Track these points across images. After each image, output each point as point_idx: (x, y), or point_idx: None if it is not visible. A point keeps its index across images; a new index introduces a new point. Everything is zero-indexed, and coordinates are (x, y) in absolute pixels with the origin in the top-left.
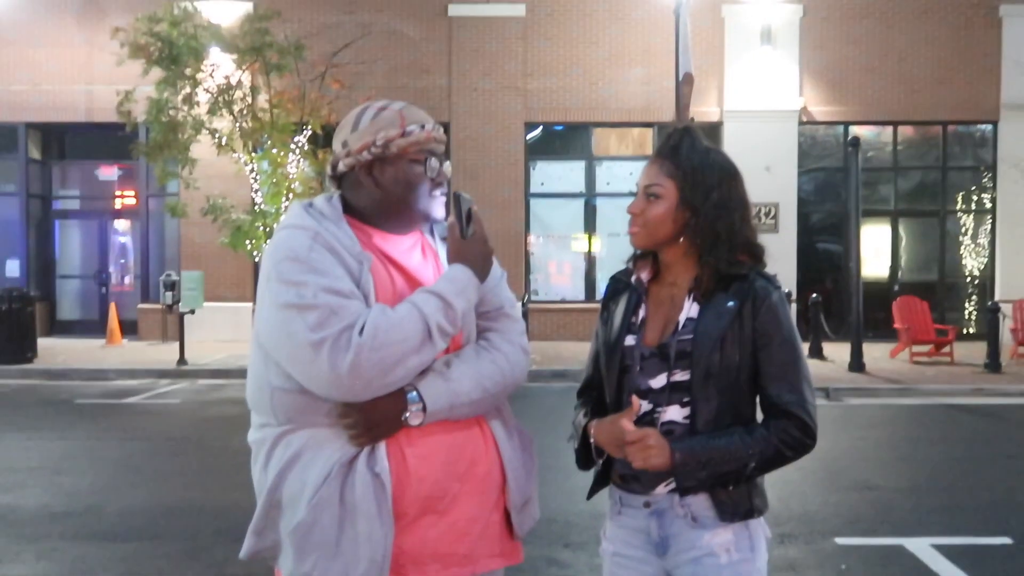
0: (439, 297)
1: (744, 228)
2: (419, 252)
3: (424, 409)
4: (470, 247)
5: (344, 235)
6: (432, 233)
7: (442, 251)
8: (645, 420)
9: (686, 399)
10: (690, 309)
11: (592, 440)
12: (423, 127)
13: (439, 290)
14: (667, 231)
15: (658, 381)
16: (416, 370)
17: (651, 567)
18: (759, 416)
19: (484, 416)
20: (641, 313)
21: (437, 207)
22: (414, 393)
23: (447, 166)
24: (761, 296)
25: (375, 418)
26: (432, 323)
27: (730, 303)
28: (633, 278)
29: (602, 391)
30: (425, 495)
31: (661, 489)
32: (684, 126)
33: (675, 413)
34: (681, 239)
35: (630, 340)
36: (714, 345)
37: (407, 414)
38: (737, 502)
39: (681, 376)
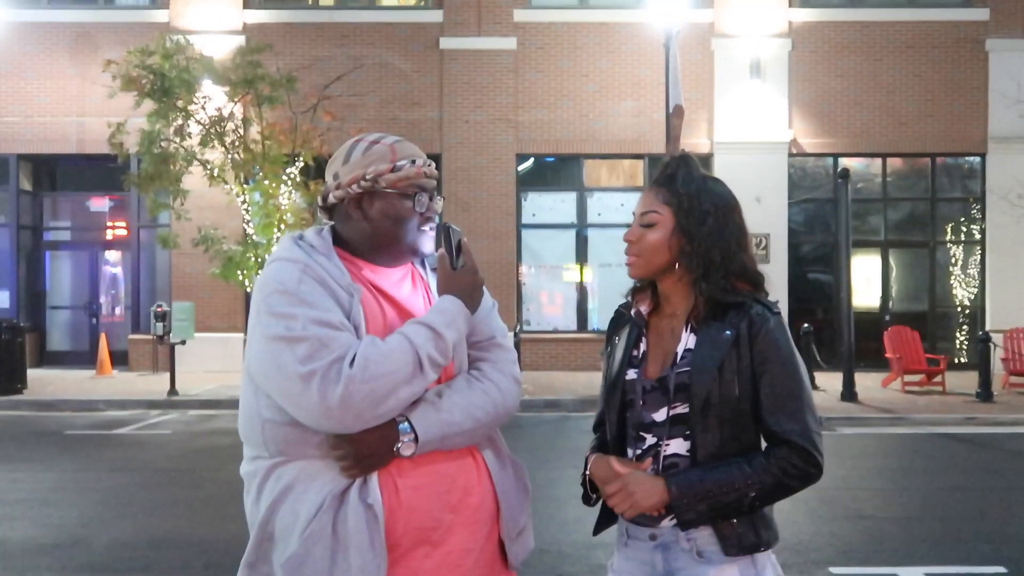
0: (429, 328)
1: (740, 255)
2: (409, 283)
3: (416, 440)
4: (460, 278)
5: (334, 267)
6: (423, 265)
7: (433, 282)
8: (651, 453)
9: (688, 432)
10: (687, 340)
11: (587, 473)
12: (414, 162)
13: (429, 321)
14: (663, 259)
15: (660, 415)
16: (407, 401)
17: None
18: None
19: (476, 446)
20: (642, 346)
21: (426, 242)
22: (405, 424)
23: (438, 201)
24: (758, 323)
25: (366, 449)
26: (423, 354)
27: (726, 332)
28: (632, 311)
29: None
30: (418, 526)
31: (666, 523)
32: (681, 155)
33: (678, 446)
34: (677, 267)
35: (631, 374)
36: (711, 376)
37: (399, 445)
38: (741, 535)
39: (682, 409)
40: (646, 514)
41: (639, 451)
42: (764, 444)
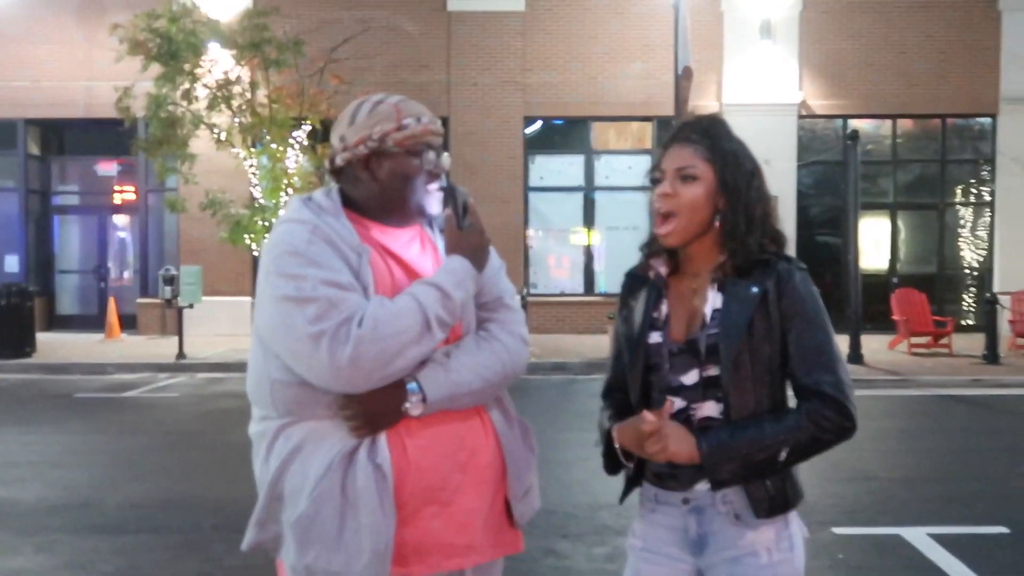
0: (437, 288)
1: (774, 215)
2: (418, 244)
3: (424, 400)
4: (467, 238)
5: (343, 228)
6: (431, 226)
7: (441, 243)
8: (680, 418)
9: (719, 394)
10: (715, 300)
11: (617, 445)
12: (419, 120)
13: (437, 281)
14: (703, 216)
15: (690, 377)
16: (416, 361)
17: (685, 564)
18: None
19: (484, 406)
20: (664, 308)
21: (434, 201)
22: (414, 384)
23: (445, 159)
24: (784, 278)
25: (375, 409)
26: (431, 314)
27: (753, 289)
28: (652, 273)
29: (627, 391)
30: (426, 486)
31: (701, 485)
32: (713, 114)
33: (711, 409)
34: (717, 225)
35: (655, 337)
36: (741, 335)
37: (407, 405)
38: (773, 497)
39: (714, 371)
40: (678, 478)
41: (669, 415)
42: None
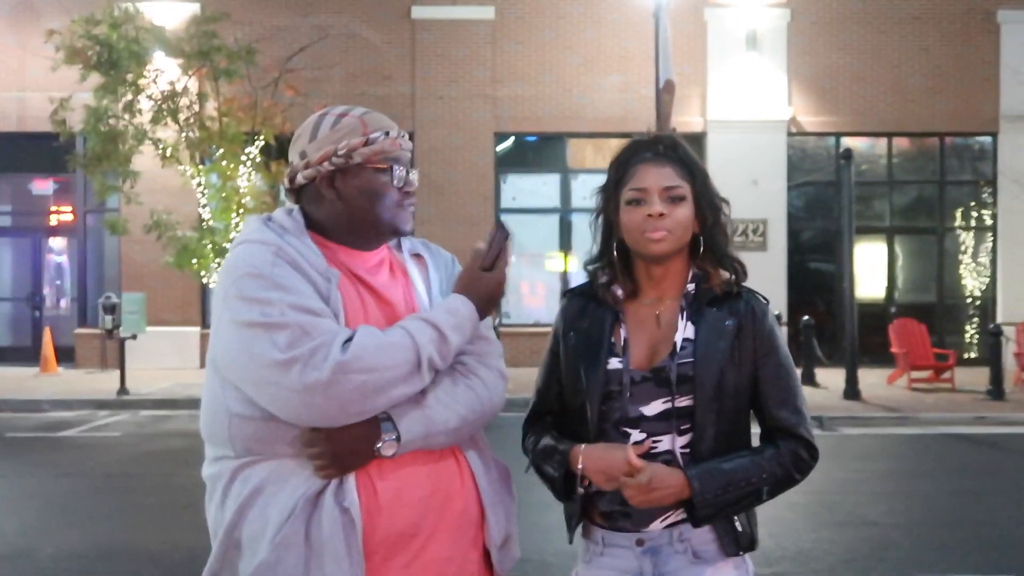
0: (435, 328)
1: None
2: (387, 269)
3: (398, 439)
4: (485, 282)
5: (308, 250)
6: (400, 248)
7: (412, 268)
8: (640, 453)
9: (684, 426)
10: (685, 329)
11: (580, 468)
12: (387, 134)
13: (436, 320)
14: (687, 237)
15: (652, 408)
16: (397, 401)
17: None
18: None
19: (460, 447)
20: (622, 333)
21: (405, 219)
22: (387, 421)
23: (414, 175)
24: (759, 315)
25: (344, 448)
26: (424, 354)
27: (728, 322)
28: (607, 295)
29: (560, 419)
30: (398, 532)
31: (656, 525)
32: (668, 133)
33: (673, 442)
34: (702, 246)
35: (615, 363)
36: (719, 366)
37: (379, 444)
38: (740, 533)
39: (682, 401)
40: (631, 517)
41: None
42: (760, 438)
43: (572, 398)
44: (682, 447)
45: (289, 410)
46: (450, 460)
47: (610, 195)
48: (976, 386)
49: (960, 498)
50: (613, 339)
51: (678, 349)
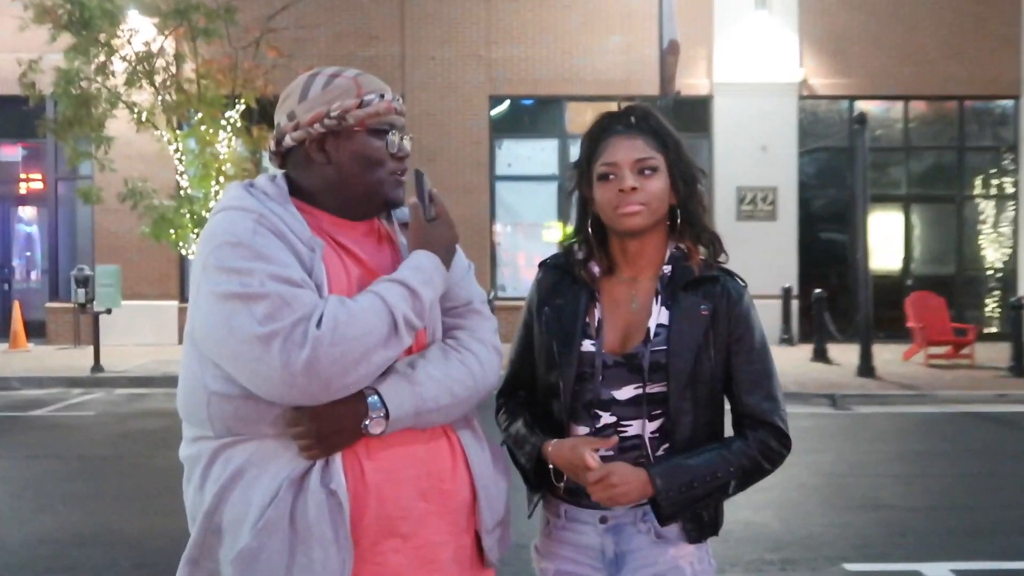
0: (404, 286)
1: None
2: (375, 239)
3: (386, 416)
4: (435, 231)
5: (292, 218)
6: (389, 218)
7: (401, 238)
8: (607, 433)
9: (656, 412)
10: (659, 314)
11: (551, 464)
12: (382, 96)
13: (403, 278)
14: (664, 209)
15: (623, 393)
16: (380, 368)
17: None
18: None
19: (452, 426)
20: (596, 313)
21: (398, 188)
22: (375, 397)
23: (407, 141)
24: (735, 298)
25: (330, 426)
26: (398, 314)
27: (703, 307)
28: (583, 272)
29: (531, 392)
30: (387, 516)
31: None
32: (639, 103)
33: (645, 428)
34: (679, 218)
35: (588, 345)
36: (692, 355)
37: (367, 422)
38: (705, 523)
39: (654, 388)
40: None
41: (593, 429)
42: (732, 424)
43: (545, 374)
44: (652, 432)
45: (269, 389)
46: (442, 440)
47: (583, 170)
48: (997, 362)
49: (981, 480)
50: (587, 319)
51: (651, 336)
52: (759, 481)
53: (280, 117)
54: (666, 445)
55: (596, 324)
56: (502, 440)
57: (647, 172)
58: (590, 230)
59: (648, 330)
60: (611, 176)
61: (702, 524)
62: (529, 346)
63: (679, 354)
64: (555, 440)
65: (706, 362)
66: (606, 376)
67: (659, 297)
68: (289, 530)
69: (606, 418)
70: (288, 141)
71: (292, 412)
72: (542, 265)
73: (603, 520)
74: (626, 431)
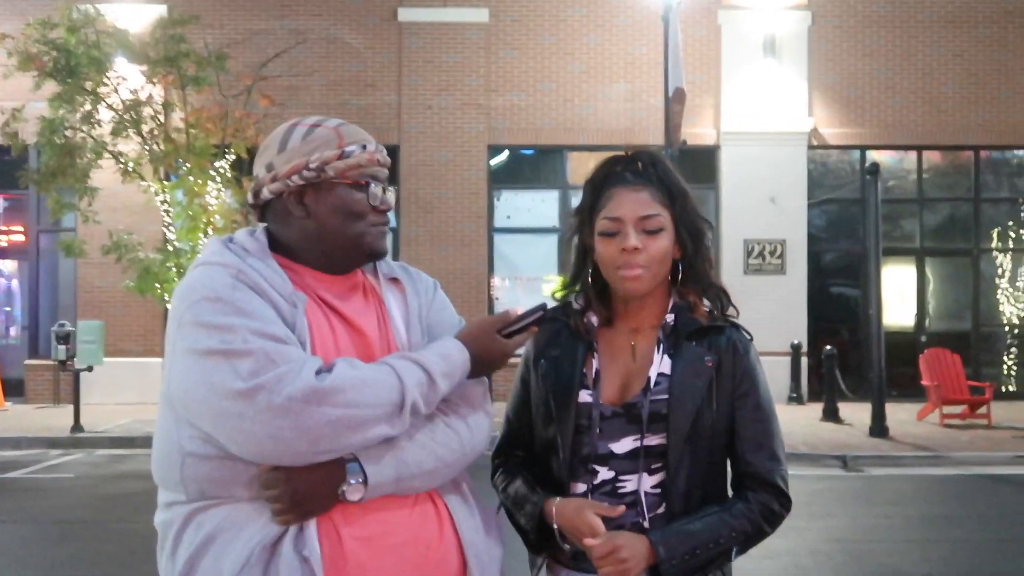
0: (424, 371)
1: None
2: (360, 295)
3: (365, 482)
4: (494, 344)
5: (272, 273)
6: (375, 272)
7: (388, 294)
8: (605, 490)
9: (656, 466)
10: (661, 363)
11: (555, 525)
12: (364, 147)
13: (426, 362)
14: (666, 269)
15: (622, 446)
16: (371, 444)
17: None
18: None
19: (438, 490)
20: (594, 364)
21: (381, 240)
22: (354, 463)
23: (391, 194)
24: (741, 350)
25: (305, 490)
26: (408, 397)
27: (707, 358)
28: (578, 323)
29: (529, 451)
30: None
31: None
32: (643, 150)
33: (642, 482)
34: (680, 277)
35: (585, 396)
36: (695, 406)
37: (344, 487)
38: None
39: (653, 440)
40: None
41: (590, 486)
42: (732, 484)
43: (542, 430)
44: (651, 488)
45: (252, 444)
46: (427, 505)
47: (585, 218)
48: (1015, 422)
49: (1001, 547)
50: (585, 370)
51: (652, 385)
52: (758, 543)
53: (259, 168)
54: (663, 504)
55: (593, 375)
56: (499, 502)
57: (652, 231)
58: (590, 280)
59: (648, 379)
60: (615, 233)
61: None
62: (526, 401)
63: (681, 404)
64: (559, 499)
65: (708, 415)
66: (604, 428)
67: (661, 346)
68: None
69: (604, 473)
70: (266, 193)
71: (268, 473)
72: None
73: None
74: (624, 486)
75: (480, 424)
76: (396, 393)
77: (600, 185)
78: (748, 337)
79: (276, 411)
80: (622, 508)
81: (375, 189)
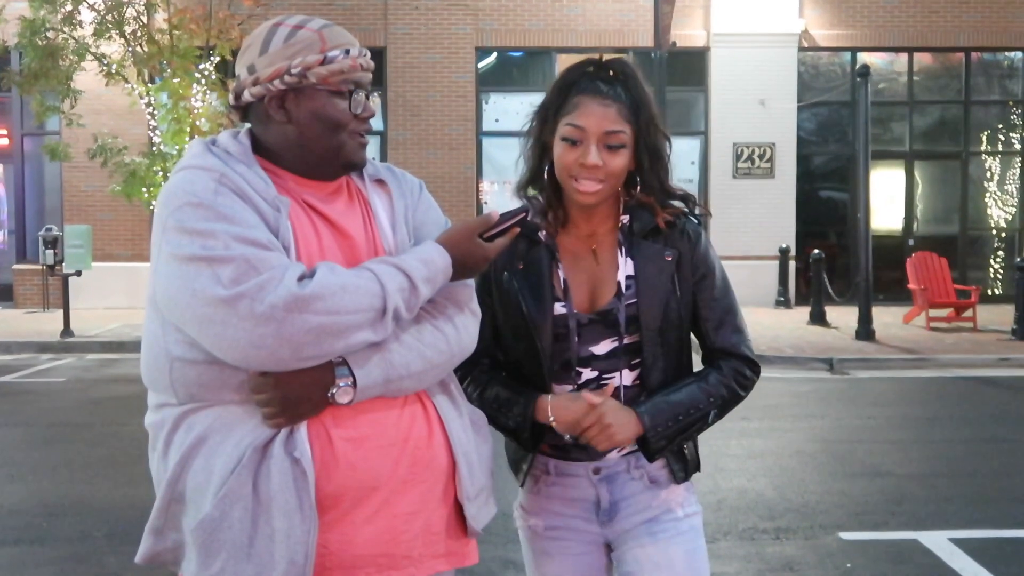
0: (406, 275)
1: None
2: (345, 197)
3: (354, 384)
4: (475, 248)
5: (255, 177)
6: (361, 176)
7: (374, 196)
8: (591, 388)
9: (635, 361)
10: (626, 265)
11: (553, 422)
12: (348, 52)
13: (408, 267)
14: (620, 183)
15: (601, 348)
16: (354, 349)
17: (593, 535)
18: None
19: (427, 391)
20: (560, 274)
21: (360, 151)
22: (343, 366)
23: (374, 100)
24: (694, 238)
25: (295, 393)
26: (390, 303)
27: (666, 252)
28: (541, 233)
29: (494, 362)
30: (357, 485)
31: (614, 455)
32: (616, 59)
33: (625, 378)
34: (638, 188)
35: (559, 308)
36: (662, 303)
37: (334, 390)
38: (689, 460)
39: (630, 339)
40: (588, 449)
41: (575, 386)
42: (703, 359)
43: (515, 342)
44: (633, 381)
45: (236, 351)
46: (416, 406)
47: (549, 117)
48: (1000, 325)
49: (982, 447)
50: (554, 280)
51: (623, 289)
52: (733, 409)
53: (240, 69)
54: (643, 396)
55: (562, 285)
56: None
57: (613, 147)
58: (546, 179)
59: (619, 284)
60: (577, 142)
61: (686, 462)
62: (489, 316)
63: (650, 304)
64: (551, 395)
65: (674, 307)
66: (582, 334)
67: (622, 248)
68: (252, 498)
69: (587, 373)
70: (247, 96)
71: (256, 378)
72: None
73: (596, 471)
74: (607, 383)
75: (467, 324)
76: (378, 299)
77: (568, 88)
78: (697, 223)
79: (257, 319)
80: (610, 389)
81: (358, 96)
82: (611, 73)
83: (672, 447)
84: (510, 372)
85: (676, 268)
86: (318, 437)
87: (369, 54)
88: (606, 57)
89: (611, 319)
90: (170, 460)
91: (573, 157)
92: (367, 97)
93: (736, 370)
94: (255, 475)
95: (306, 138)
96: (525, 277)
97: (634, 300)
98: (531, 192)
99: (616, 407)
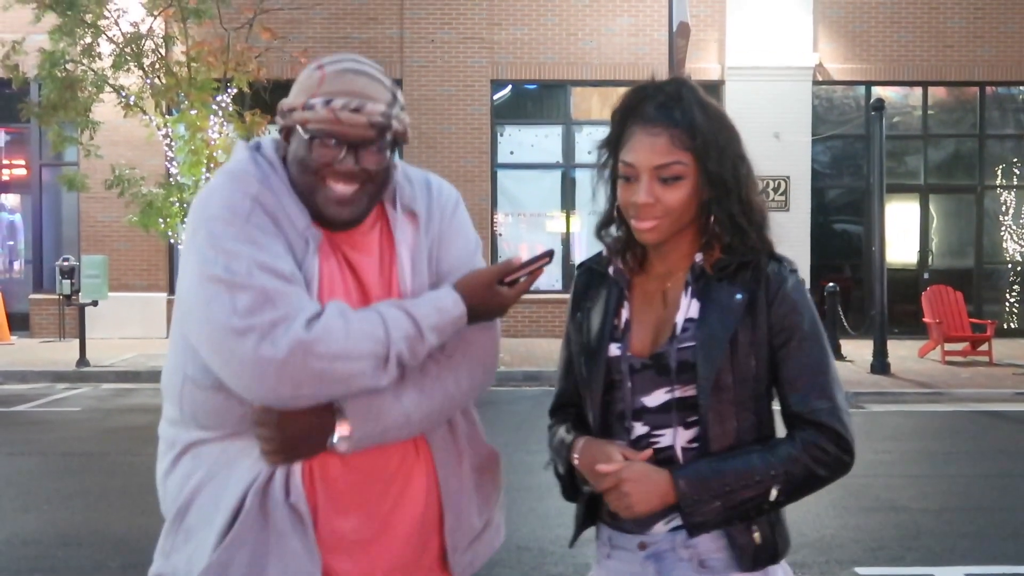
0: (414, 324)
1: (760, 201)
2: (374, 233)
3: (351, 436)
4: (493, 296)
5: (291, 202)
6: (394, 202)
7: (402, 234)
8: (641, 446)
9: (691, 419)
10: (689, 308)
11: (576, 462)
12: (329, 102)
13: (418, 314)
14: (688, 218)
15: (653, 399)
16: (355, 393)
17: None
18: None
19: (426, 435)
20: (624, 314)
21: (332, 207)
22: (343, 415)
23: (349, 160)
24: (775, 283)
25: (296, 436)
26: (393, 350)
27: (738, 296)
28: (611, 268)
29: (582, 408)
30: (339, 534)
31: (660, 527)
32: (676, 78)
33: (677, 437)
34: (711, 223)
35: (614, 350)
36: (722, 351)
37: (334, 439)
38: (759, 547)
39: (684, 392)
40: (634, 519)
41: (628, 442)
42: (784, 429)
43: (581, 387)
44: (688, 442)
45: (240, 381)
46: (408, 447)
47: (611, 152)
48: (1016, 359)
49: (998, 481)
50: (615, 320)
51: (678, 332)
52: (815, 491)
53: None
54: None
55: (623, 325)
56: (547, 460)
57: (667, 180)
58: (617, 216)
59: (675, 325)
60: (629, 178)
61: (753, 547)
62: (570, 358)
63: (708, 350)
64: (587, 438)
65: (743, 359)
66: (635, 382)
67: (689, 289)
68: (254, 545)
69: (638, 428)
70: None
71: (260, 412)
72: (579, 266)
73: (642, 546)
74: (658, 441)
75: (473, 375)
76: (381, 346)
77: (623, 119)
78: (789, 268)
79: (262, 356)
80: (649, 452)
81: (328, 148)
82: (661, 96)
83: (718, 524)
84: (583, 423)
85: (747, 312)
86: (309, 477)
87: (364, 109)
88: (661, 78)
89: (663, 365)
90: (175, 486)
91: (627, 196)
92: (344, 153)
93: (813, 443)
94: (256, 522)
95: (292, 176)
96: (588, 313)
97: (690, 344)
98: (614, 232)
99: (644, 473)
